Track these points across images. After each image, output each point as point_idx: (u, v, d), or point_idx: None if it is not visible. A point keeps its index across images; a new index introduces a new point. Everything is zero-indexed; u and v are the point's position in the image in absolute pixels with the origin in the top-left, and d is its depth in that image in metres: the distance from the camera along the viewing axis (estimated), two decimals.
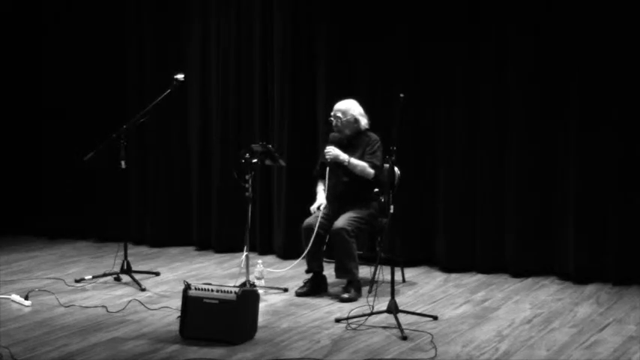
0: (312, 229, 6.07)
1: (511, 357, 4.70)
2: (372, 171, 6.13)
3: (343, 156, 6.14)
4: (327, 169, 6.25)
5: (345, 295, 5.95)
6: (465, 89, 6.91)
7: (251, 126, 7.78)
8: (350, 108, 6.26)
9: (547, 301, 5.94)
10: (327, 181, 6.27)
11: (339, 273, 6.09)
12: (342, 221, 6.01)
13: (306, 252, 6.09)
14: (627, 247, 6.43)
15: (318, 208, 6.21)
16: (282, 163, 6.39)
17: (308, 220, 6.16)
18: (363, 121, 6.27)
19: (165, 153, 8.19)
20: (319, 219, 6.13)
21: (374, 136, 6.27)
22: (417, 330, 5.17)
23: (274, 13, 7.59)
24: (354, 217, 6.06)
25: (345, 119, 6.23)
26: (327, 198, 6.34)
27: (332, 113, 6.29)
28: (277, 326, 5.34)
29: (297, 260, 6.37)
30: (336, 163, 6.16)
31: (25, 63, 8.76)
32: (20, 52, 8.78)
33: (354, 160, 6.13)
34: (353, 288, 6.02)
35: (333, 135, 6.35)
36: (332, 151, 6.17)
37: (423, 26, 7.03)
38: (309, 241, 6.10)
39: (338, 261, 6.06)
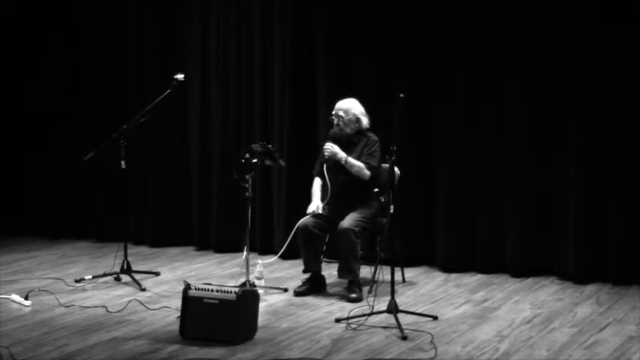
0: (308, 229, 6.08)
1: (511, 357, 4.70)
2: (367, 172, 6.13)
3: (341, 154, 6.14)
4: (325, 166, 6.25)
5: (353, 295, 5.94)
6: (465, 89, 6.91)
7: (251, 126, 7.78)
8: (351, 107, 6.26)
9: (547, 301, 5.94)
10: (326, 180, 6.27)
11: (343, 273, 6.08)
12: (348, 222, 6.00)
13: (282, 250, 6.34)
14: (627, 247, 6.42)
15: (316, 210, 6.20)
16: (282, 163, 6.39)
17: (303, 220, 6.16)
18: (365, 120, 6.27)
19: (166, 153, 8.19)
20: (316, 219, 6.13)
21: (374, 136, 6.27)
22: (417, 330, 5.17)
23: (274, 13, 7.59)
24: (360, 218, 6.06)
25: (347, 118, 6.23)
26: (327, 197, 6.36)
27: (333, 112, 6.29)
28: (277, 326, 5.34)
29: (275, 257, 6.60)
30: (334, 161, 6.17)
31: (25, 63, 8.76)
32: (20, 51, 8.77)
33: (351, 160, 6.13)
34: (356, 288, 6.02)
35: (333, 132, 6.35)
36: (331, 148, 6.17)
37: (424, 26, 7.03)
38: (306, 242, 6.10)
39: (343, 261, 6.05)
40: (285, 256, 7.26)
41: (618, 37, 6.37)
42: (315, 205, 6.24)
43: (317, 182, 6.40)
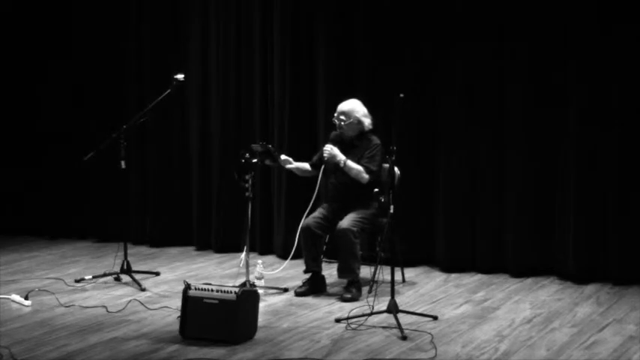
0: (310, 230, 6.08)
1: (511, 357, 4.70)
2: (366, 176, 6.12)
3: (340, 157, 6.13)
4: (323, 167, 6.25)
5: (348, 295, 5.95)
6: (466, 89, 6.90)
7: (251, 126, 7.78)
8: (353, 109, 6.23)
9: (547, 301, 5.94)
10: (319, 178, 6.26)
11: (342, 273, 6.08)
12: (347, 222, 6.00)
13: (292, 254, 6.32)
14: (627, 247, 6.42)
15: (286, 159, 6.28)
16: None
17: (306, 221, 6.16)
18: (367, 122, 6.25)
19: (166, 153, 8.19)
20: (317, 220, 6.14)
21: (375, 139, 6.24)
22: (417, 330, 5.17)
23: (274, 13, 7.59)
24: (359, 218, 6.06)
25: (348, 121, 6.21)
26: (327, 198, 6.36)
27: (335, 115, 6.27)
28: (277, 326, 5.34)
29: (286, 262, 6.59)
30: (333, 163, 6.16)
31: (25, 61, 8.76)
32: (20, 49, 8.78)
33: (350, 163, 6.11)
34: (354, 288, 6.03)
35: (335, 134, 6.34)
36: (330, 150, 6.16)
37: (424, 26, 7.03)
38: (307, 242, 6.11)
39: (342, 261, 6.05)
40: (285, 257, 7.26)
41: (618, 36, 6.37)
42: (290, 160, 6.27)
43: (306, 164, 6.41)
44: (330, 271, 6.57)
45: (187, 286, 5.09)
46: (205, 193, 8.01)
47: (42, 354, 4.82)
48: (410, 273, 6.83)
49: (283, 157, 6.29)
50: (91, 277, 6.64)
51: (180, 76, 6.66)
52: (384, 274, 5.94)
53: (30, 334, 5.21)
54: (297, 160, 6.43)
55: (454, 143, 6.96)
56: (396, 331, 5.11)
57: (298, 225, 6.19)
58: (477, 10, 6.82)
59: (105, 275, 6.65)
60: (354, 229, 5.98)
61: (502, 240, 6.85)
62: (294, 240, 6.31)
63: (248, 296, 5.07)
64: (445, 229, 7.01)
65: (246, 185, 5.97)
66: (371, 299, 5.56)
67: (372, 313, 5.37)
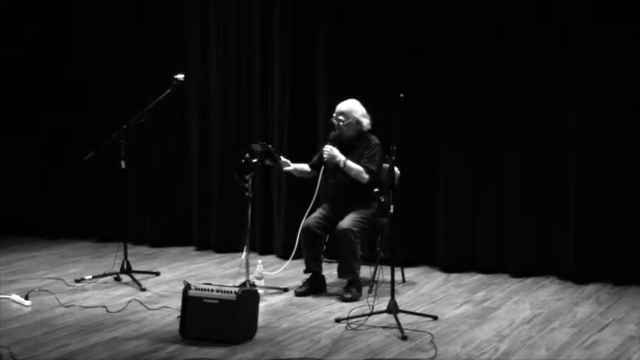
0: (311, 230, 6.08)
1: (511, 357, 4.70)
2: (366, 176, 6.12)
3: (340, 157, 6.13)
4: (323, 167, 6.24)
5: (348, 295, 5.95)
6: (465, 89, 6.90)
7: (251, 126, 7.78)
8: (352, 109, 6.23)
9: (547, 301, 5.94)
10: (319, 178, 6.26)
11: (342, 273, 6.08)
12: (347, 222, 6.00)
13: (293, 253, 6.29)
14: (627, 247, 6.42)
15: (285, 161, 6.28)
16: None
17: (306, 221, 6.16)
18: (365, 122, 6.25)
19: (166, 153, 8.19)
20: (317, 220, 6.14)
21: (375, 139, 6.24)
22: (417, 330, 5.17)
23: (274, 13, 7.59)
24: (359, 218, 6.06)
25: (347, 121, 6.21)
26: (327, 198, 6.36)
27: (334, 115, 6.27)
28: (277, 326, 5.34)
29: (287, 262, 6.55)
30: (333, 164, 6.16)
31: (25, 61, 8.76)
32: (20, 48, 8.77)
33: (350, 163, 6.11)
34: (354, 288, 6.03)
35: (334, 134, 6.34)
36: (330, 150, 6.16)
37: (424, 26, 7.03)
38: (307, 242, 6.11)
39: (343, 261, 6.05)
40: (285, 257, 7.27)
41: (617, 36, 6.37)
42: (288, 162, 6.27)
43: (306, 165, 6.40)
44: (330, 271, 6.57)
45: (187, 286, 5.09)
46: (205, 193, 8.01)
47: (42, 354, 4.82)
48: (410, 273, 6.83)
49: (282, 158, 6.29)
50: (91, 277, 6.64)
51: (180, 76, 6.67)
52: (384, 274, 5.94)
53: (30, 334, 5.21)
54: (296, 160, 6.43)
55: (454, 143, 6.96)
56: (396, 331, 5.11)
57: (298, 225, 6.19)
58: (477, 10, 6.82)
59: (105, 275, 6.65)
60: (355, 229, 5.98)
61: (502, 240, 6.85)
62: (295, 240, 6.30)
63: (248, 296, 5.07)
64: (445, 229, 7.01)
65: (246, 185, 5.97)
66: (371, 299, 5.56)
67: (372, 313, 5.37)
